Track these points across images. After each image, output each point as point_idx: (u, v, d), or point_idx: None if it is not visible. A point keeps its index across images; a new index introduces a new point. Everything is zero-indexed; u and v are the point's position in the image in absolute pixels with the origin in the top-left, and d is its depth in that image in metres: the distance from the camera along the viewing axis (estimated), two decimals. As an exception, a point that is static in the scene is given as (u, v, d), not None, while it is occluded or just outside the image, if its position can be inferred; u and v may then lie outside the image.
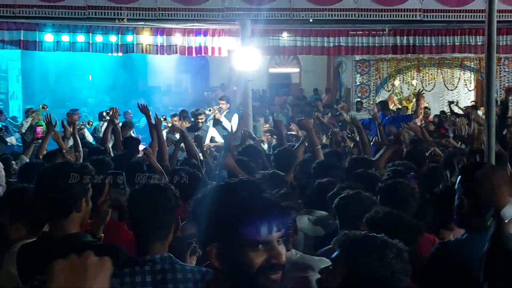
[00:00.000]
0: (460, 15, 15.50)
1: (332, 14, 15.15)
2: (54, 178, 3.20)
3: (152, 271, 2.98)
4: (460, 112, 13.71)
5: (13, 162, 7.73)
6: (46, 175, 3.29)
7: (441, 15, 15.47)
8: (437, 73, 18.71)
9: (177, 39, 15.10)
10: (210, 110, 12.88)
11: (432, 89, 18.79)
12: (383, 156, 6.48)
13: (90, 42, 15.10)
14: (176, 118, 13.01)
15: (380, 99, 16.97)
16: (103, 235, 3.49)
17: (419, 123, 10.98)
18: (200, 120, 11.72)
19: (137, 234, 3.16)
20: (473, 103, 17.20)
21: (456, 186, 3.32)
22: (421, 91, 13.00)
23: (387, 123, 11.43)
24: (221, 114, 12.67)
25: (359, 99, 18.32)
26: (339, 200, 4.02)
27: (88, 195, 3.27)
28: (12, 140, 14.19)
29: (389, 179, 4.84)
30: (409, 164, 6.00)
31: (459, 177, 3.33)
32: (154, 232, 3.08)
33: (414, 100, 13.37)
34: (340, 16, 15.22)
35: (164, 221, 3.11)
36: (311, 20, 15.00)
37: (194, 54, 15.48)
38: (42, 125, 12.57)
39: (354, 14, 15.22)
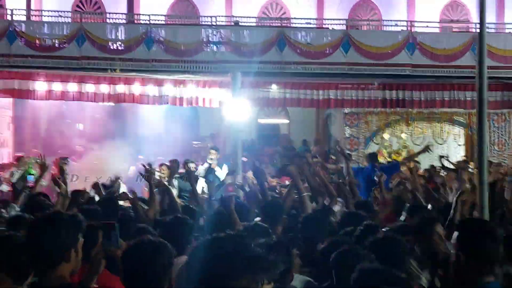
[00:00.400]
0: (449, 71, 15.74)
1: (321, 68, 15.36)
2: (43, 227, 3.19)
3: None
4: (451, 166, 13.75)
5: (2, 210, 7.64)
6: (36, 224, 3.28)
7: (430, 70, 15.71)
8: (426, 127, 18.84)
9: (169, 90, 15.23)
10: (212, 159, 13.03)
11: (421, 143, 18.88)
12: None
13: (82, 91, 15.20)
14: (164, 167, 13.03)
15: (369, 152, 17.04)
16: (96, 286, 3.45)
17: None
18: (191, 170, 11.79)
19: None
20: (464, 158, 17.29)
21: (453, 241, 3.34)
22: (430, 145, 13.07)
23: (372, 174, 11.47)
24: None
25: (348, 152, 18.37)
26: (336, 255, 3.98)
27: (77, 245, 3.24)
28: (3, 187, 14.09)
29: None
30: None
31: (457, 233, 3.35)
32: None
33: (419, 149, 13.43)
34: (330, 70, 15.43)
35: (156, 279, 3.07)
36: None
37: (185, 105, 15.59)
38: (33, 174, 12.54)
39: (344, 68, 15.43)
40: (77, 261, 3.26)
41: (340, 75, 15.52)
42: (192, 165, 12.17)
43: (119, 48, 14.71)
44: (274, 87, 15.81)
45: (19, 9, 15.93)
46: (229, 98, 14.80)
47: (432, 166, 14.96)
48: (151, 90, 15.26)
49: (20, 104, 17.97)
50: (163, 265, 3.08)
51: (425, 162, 16.92)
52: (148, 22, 15.27)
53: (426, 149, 12.29)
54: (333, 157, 16.67)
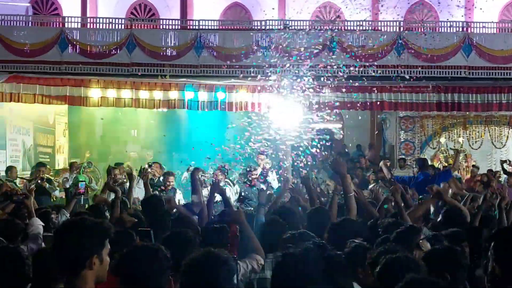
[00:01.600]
0: (506, 72, 15.23)
1: (376, 71, 15.03)
2: (66, 233, 3.13)
3: None
4: None
5: (52, 216, 7.70)
6: (60, 230, 3.22)
7: (487, 72, 15.22)
8: (484, 130, 18.26)
9: (219, 95, 15.22)
10: (267, 163, 13.06)
11: (479, 147, 18.33)
12: (418, 209, 6.25)
13: (135, 97, 15.33)
14: (218, 172, 13.09)
15: (424, 157, 16.56)
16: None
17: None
18: (254, 177, 11.96)
19: None
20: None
21: (489, 252, 3.12)
22: (460, 149, 12.62)
23: (416, 185, 10.67)
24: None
25: (402, 156, 17.98)
26: (384, 263, 3.77)
27: (102, 252, 3.15)
28: (56, 192, 14.37)
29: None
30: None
31: (492, 243, 3.12)
32: None
33: (454, 154, 12.94)
34: (384, 73, 15.09)
35: (155, 283, 3.05)
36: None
37: (234, 110, 15.54)
38: (83, 181, 12.74)
39: (398, 71, 15.08)
40: (102, 269, 3.17)
41: (394, 77, 15.17)
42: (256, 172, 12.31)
43: (169, 54, 14.78)
44: (326, 90, 15.54)
45: (73, 17, 16.18)
46: (280, 102, 14.62)
47: (490, 171, 14.49)
48: (202, 95, 15.28)
49: (75, 111, 18.28)
50: (159, 271, 3.05)
51: (484, 166, 16.43)
52: (197, 28, 15.29)
53: (457, 154, 11.72)
54: (388, 163, 16.28)
